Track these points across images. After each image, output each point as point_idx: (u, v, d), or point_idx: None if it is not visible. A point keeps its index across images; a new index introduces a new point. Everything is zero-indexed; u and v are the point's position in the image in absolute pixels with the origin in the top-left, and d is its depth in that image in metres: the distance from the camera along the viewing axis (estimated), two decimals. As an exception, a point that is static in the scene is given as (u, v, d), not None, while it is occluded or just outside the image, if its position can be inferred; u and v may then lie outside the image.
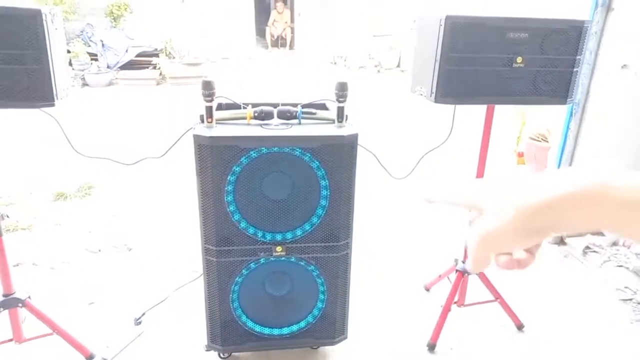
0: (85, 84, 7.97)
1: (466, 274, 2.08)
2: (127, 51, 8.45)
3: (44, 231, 3.01)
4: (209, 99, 1.58)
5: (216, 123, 1.64)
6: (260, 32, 11.63)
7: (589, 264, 2.69)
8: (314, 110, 1.74)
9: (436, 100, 1.68)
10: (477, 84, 1.68)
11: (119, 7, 8.62)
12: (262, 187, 1.63)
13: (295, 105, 1.74)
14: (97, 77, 7.95)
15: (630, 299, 2.38)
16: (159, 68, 8.23)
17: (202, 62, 8.85)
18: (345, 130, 1.64)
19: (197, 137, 1.54)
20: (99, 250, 2.80)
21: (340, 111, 1.67)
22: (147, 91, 7.64)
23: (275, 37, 11.87)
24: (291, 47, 11.55)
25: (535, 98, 1.79)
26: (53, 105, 1.50)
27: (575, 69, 1.73)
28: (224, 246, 1.67)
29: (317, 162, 1.62)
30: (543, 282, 2.55)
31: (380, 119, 5.94)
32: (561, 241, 2.92)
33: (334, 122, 1.69)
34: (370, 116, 6.13)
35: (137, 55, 8.44)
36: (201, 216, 1.63)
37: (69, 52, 8.02)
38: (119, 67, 8.29)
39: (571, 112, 2.72)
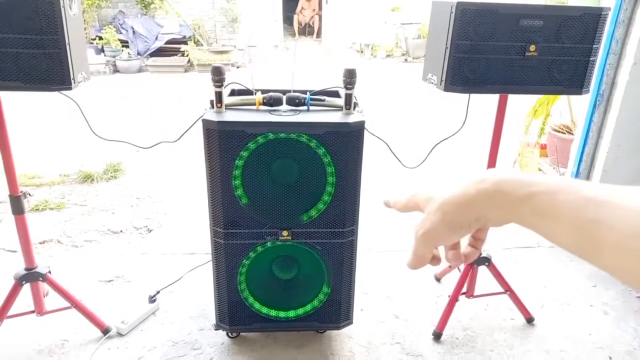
0: (116, 71, 8.19)
1: (475, 265, 2.07)
2: (156, 38, 8.62)
3: (70, 211, 3.14)
4: (219, 84, 1.61)
5: (226, 108, 1.67)
6: (289, 20, 11.62)
7: (608, 259, 2.62)
8: (322, 97, 1.75)
9: (445, 89, 1.67)
10: (489, 73, 1.66)
11: (150, -6, 8.77)
12: (270, 172, 1.66)
13: (306, 92, 1.75)
14: (128, 63, 8.14)
15: (649, 297, 2.32)
16: (187, 55, 8.36)
17: (230, 50, 8.94)
18: (352, 118, 1.64)
19: (205, 122, 1.58)
20: (121, 231, 2.90)
21: (348, 98, 1.67)
22: (175, 78, 7.78)
23: (303, 25, 11.84)
24: (318, 35, 11.50)
25: (549, 88, 1.75)
26: (70, 88, 1.55)
27: (592, 58, 1.68)
28: (232, 229, 1.71)
29: (323, 149, 1.63)
30: (558, 276, 2.51)
31: (400, 108, 5.89)
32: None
33: (342, 109, 1.70)
34: (390, 105, 6.08)
35: (167, 43, 8.60)
36: (209, 199, 1.68)
37: (100, 39, 8.26)
38: (149, 54, 8.47)
39: (595, 104, 2.64)
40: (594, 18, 1.63)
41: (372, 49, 9.99)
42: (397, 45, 9.99)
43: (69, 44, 1.51)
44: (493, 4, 1.58)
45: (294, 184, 1.68)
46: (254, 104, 1.71)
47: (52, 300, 1.96)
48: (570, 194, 0.40)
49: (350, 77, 1.65)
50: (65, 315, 1.96)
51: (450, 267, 2.31)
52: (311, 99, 1.73)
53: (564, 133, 3.26)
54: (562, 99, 3.43)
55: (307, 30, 11.95)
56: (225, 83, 1.65)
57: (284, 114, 1.66)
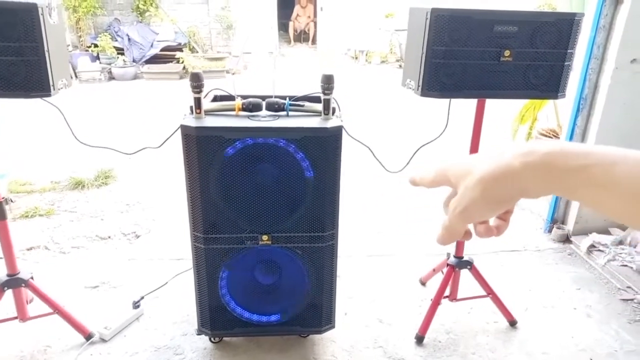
0: (111, 78, 8.23)
1: (457, 269, 2.08)
2: (152, 45, 8.67)
3: (60, 218, 3.15)
4: (197, 90, 1.63)
5: (205, 114, 1.69)
6: (284, 27, 11.69)
7: (593, 262, 2.63)
8: (302, 103, 1.77)
9: (422, 94, 1.69)
10: (465, 78, 1.68)
11: (145, 1, 8.82)
12: (249, 177, 1.67)
13: (288, 97, 1.77)
14: (123, 70, 8.19)
15: (632, 299, 2.32)
16: (182, 62, 8.40)
17: (225, 57, 8.99)
18: (330, 123, 1.66)
19: (184, 128, 1.59)
20: (109, 237, 2.91)
21: (326, 103, 1.69)
22: (170, 84, 7.82)
23: (298, 31, 11.91)
24: (313, 42, 11.57)
25: (525, 92, 1.77)
26: (49, 95, 1.57)
27: (566, 63, 1.70)
28: (211, 234, 1.72)
29: (301, 154, 1.65)
30: (543, 279, 2.52)
31: (391, 112, 5.91)
32: (566, 239, 2.86)
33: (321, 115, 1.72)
34: (378, 110, 6.11)
35: (162, 50, 8.65)
36: (189, 204, 1.69)
37: (96, 46, 8.30)
38: (144, 61, 8.51)
39: (578, 108, 2.66)
40: (567, 23, 1.65)
41: (366, 55, 10.05)
42: (392, 51, 10.05)
43: (48, 51, 1.53)
44: (467, 10, 1.61)
45: (273, 188, 1.70)
46: (233, 110, 1.73)
47: (36, 306, 1.97)
48: (627, 164, 0.40)
49: (328, 83, 1.67)
50: (48, 322, 1.96)
51: (434, 270, 2.32)
52: (290, 105, 1.75)
53: (550, 137, 3.29)
54: (549, 103, 3.46)
55: (302, 37, 12.02)
56: (208, 89, 1.68)
57: (263, 119, 1.68)
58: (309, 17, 11.65)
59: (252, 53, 9.40)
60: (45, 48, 1.52)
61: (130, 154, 2.09)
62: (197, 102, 1.65)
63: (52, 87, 1.57)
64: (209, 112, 1.72)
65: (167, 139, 1.95)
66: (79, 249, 2.75)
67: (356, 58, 10.13)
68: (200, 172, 1.64)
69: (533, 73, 1.71)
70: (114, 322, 2.05)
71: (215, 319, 1.87)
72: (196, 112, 1.66)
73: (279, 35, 10.83)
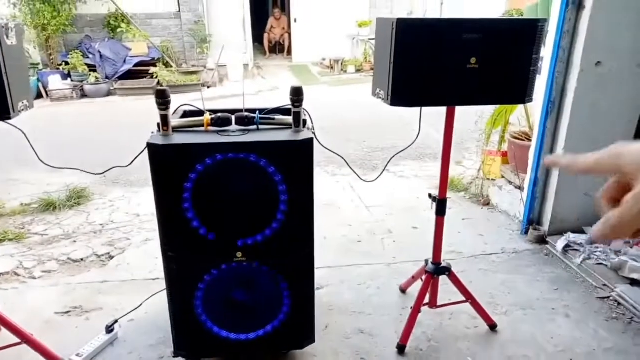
0: (84, 95, 8.08)
1: (436, 275, 2.08)
2: (125, 62, 8.56)
3: (30, 241, 3.06)
4: (164, 107, 1.60)
5: (173, 131, 1.66)
6: (259, 39, 11.69)
7: (569, 262, 2.67)
8: (272, 116, 1.76)
9: (392, 103, 1.69)
10: (433, 86, 1.69)
11: (117, 18, 8.73)
12: (221, 193, 1.64)
13: (258, 111, 1.75)
14: (96, 87, 8.06)
15: (608, 297, 2.36)
16: (157, 77, 8.31)
17: (200, 70, 8.93)
18: (300, 135, 1.65)
19: (151, 146, 1.56)
20: (82, 260, 2.83)
21: (296, 116, 1.68)
22: (144, 100, 7.71)
23: (273, 43, 11.93)
24: (289, 53, 11.60)
25: (494, 98, 1.79)
26: (10, 118, 1.53)
27: (532, 68, 1.72)
28: (185, 253, 1.69)
29: (273, 168, 1.63)
30: (521, 281, 2.54)
31: (365, 121, 5.93)
32: (543, 240, 2.90)
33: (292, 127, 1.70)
34: (354, 119, 6.14)
35: (135, 65, 8.54)
36: (160, 224, 1.65)
37: (67, 64, 8.15)
38: (117, 78, 8.40)
39: (547, 111, 2.71)
40: (531, 30, 1.68)
41: (341, 64, 10.11)
42: (367, 59, 10.13)
43: (6, 73, 1.48)
44: (432, 20, 1.63)
45: (246, 203, 1.67)
46: (202, 125, 1.70)
47: (4, 337, 1.89)
48: None
49: (297, 95, 1.66)
50: (18, 352, 1.88)
51: (413, 277, 2.32)
52: (260, 118, 1.73)
53: (523, 140, 3.34)
54: (521, 107, 3.51)
55: (277, 48, 12.04)
56: (184, 103, 1.64)
57: (232, 134, 1.66)
58: (284, 28, 11.68)
59: (227, 66, 9.35)
60: (3, 70, 1.47)
61: (98, 174, 2.05)
62: (164, 119, 1.62)
63: (11, 110, 1.52)
64: (177, 129, 1.69)
65: (136, 157, 1.91)
66: (50, 273, 2.67)
67: (332, 68, 10.18)
68: (170, 191, 1.60)
69: (500, 79, 1.73)
70: (86, 348, 1.98)
71: (192, 340, 1.83)
72: (163, 130, 1.63)
73: (254, 48, 10.83)
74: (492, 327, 2.15)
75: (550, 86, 2.67)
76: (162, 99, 1.59)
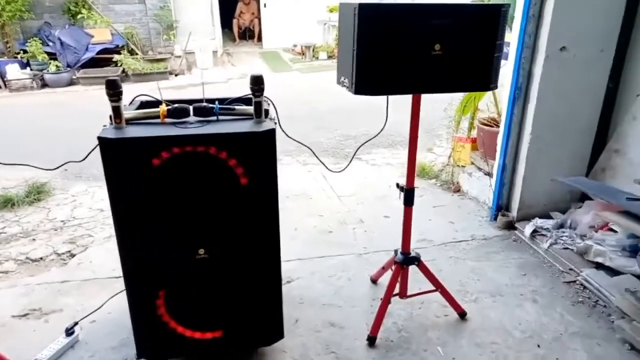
0: (44, 85, 7.76)
1: (405, 265, 2.06)
2: (87, 49, 8.23)
3: (-15, 241, 2.91)
4: (115, 98, 1.51)
5: (127, 123, 1.57)
6: (228, 25, 11.43)
7: (537, 247, 2.70)
8: (232, 107, 1.68)
9: (356, 92, 1.64)
10: (397, 74, 1.64)
11: (77, 3, 8.36)
12: (179, 188, 1.57)
13: (218, 101, 1.68)
14: (57, 76, 7.75)
15: (574, 281, 2.39)
16: (121, 65, 8.04)
17: (167, 57, 8.68)
18: (262, 126, 1.58)
19: (102, 140, 1.47)
20: (41, 259, 2.71)
21: (257, 106, 1.61)
22: (109, 90, 7.45)
23: (243, 29, 11.69)
24: (259, 39, 11.39)
25: (458, 85, 1.76)
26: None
27: (496, 54, 1.70)
28: (143, 252, 1.61)
29: (234, 160, 1.56)
30: (490, 268, 2.55)
31: (337, 109, 5.88)
32: (511, 226, 2.92)
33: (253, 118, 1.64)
34: (326, 107, 6.07)
35: (98, 53, 8.23)
36: (115, 222, 1.57)
37: (25, 52, 7.79)
38: (80, 66, 8.08)
39: (514, 97, 2.71)
40: (494, 15, 1.64)
41: (313, 50, 9.99)
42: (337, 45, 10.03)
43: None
44: (395, 5, 1.57)
45: (207, 198, 1.60)
46: (158, 117, 1.61)
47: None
48: None
49: (257, 84, 1.59)
50: (-32, 360, 1.78)
51: (383, 268, 2.30)
52: (220, 109, 1.65)
53: (492, 126, 3.34)
54: (489, 93, 3.51)
55: (247, 34, 11.81)
56: (135, 95, 1.55)
57: (190, 126, 1.58)
58: (253, 13, 11.44)
59: (195, 52, 9.11)
60: None
61: (51, 169, 1.94)
62: (116, 110, 1.53)
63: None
64: (131, 122, 1.60)
65: (90, 152, 1.80)
66: (6, 274, 2.54)
67: (303, 54, 10.04)
68: (125, 187, 1.52)
69: (464, 66, 1.69)
70: (45, 352, 1.89)
71: (155, 342, 1.76)
72: (116, 122, 1.54)
73: (223, 34, 10.58)
74: (462, 315, 2.15)
75: (516, 72, 2.67)
76: (113, 90, 1.50)
